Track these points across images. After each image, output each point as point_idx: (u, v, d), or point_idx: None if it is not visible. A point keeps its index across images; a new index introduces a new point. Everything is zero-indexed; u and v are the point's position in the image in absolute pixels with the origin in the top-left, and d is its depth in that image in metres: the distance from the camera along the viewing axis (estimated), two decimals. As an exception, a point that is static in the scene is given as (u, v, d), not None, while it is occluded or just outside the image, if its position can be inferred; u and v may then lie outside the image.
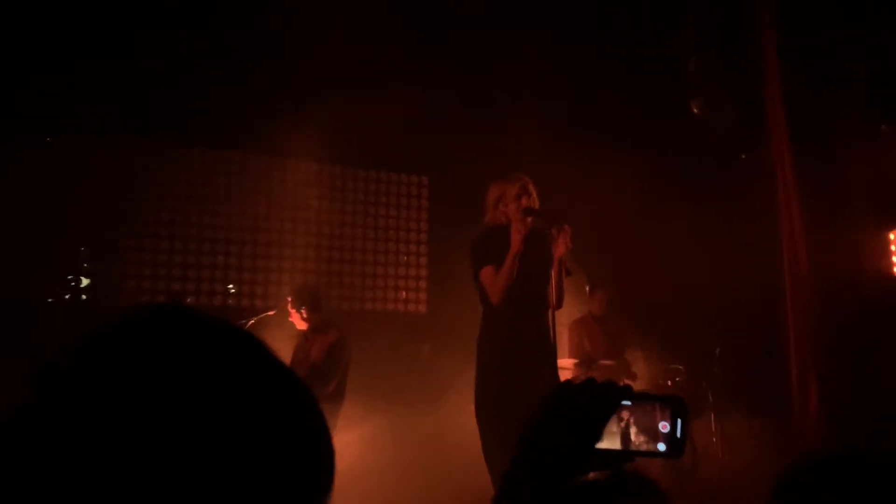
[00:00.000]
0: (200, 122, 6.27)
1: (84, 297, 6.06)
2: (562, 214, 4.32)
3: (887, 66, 6.26)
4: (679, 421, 1.00)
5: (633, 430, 1.00)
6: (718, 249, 6.64)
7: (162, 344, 0.60)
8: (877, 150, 6.63)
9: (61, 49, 5.53)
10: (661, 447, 0.99)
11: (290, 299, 5.39)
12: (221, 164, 6.67)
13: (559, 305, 4.21)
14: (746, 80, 6.65)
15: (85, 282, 6.12)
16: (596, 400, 1.00)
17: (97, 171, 6.11)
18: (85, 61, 5.57)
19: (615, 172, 6.94)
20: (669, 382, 5.99)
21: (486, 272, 4.18)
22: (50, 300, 5.95)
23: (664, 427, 1.00)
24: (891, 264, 6.88)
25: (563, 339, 6.20)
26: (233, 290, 6.63)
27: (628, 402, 1.00)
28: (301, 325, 5.36)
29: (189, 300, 6.29)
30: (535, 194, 4.29)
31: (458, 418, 5.40)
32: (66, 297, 5.97)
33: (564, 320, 6.33)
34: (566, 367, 5.63)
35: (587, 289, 6.44)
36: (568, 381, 1.05)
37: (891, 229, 6.89)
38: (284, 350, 5.65)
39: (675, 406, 1.01)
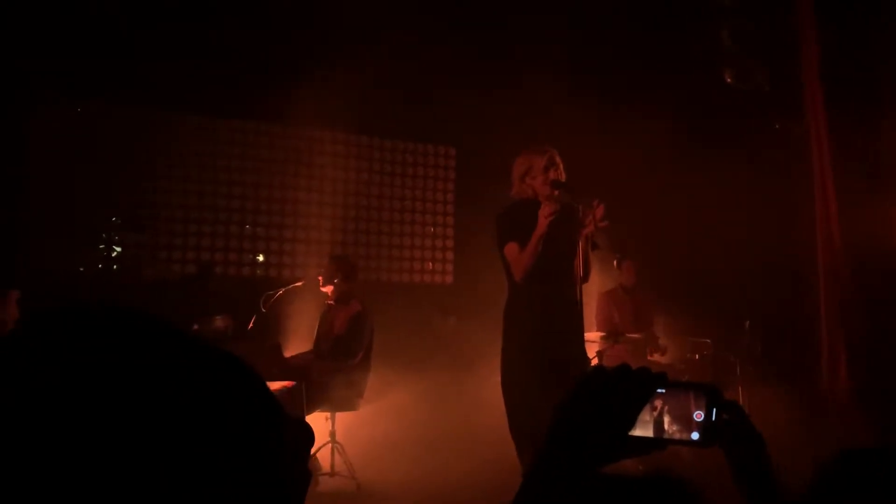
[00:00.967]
0: (228, 92, 6.28)
1: (115, 266, 6.15)
2: (590, 187, 4.27)
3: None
4: (714, 410, 0.98)
5: (666, 419, 0.99)
6: (749, 221, 6.55)
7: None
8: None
9: (94, 22, 5.56)
10: (695, 436, 0.98)
11: (323, 269, 5.40)
12: (250, 135, 6.69)
13: (586, 279, 4.16)
14: (781, 49, 6.50)
15: (116, 251, 6.20)
16: (630, 387, 0.98)
17: (127, 142, 6.17)
18: (117, 34, 5.60)
19: (645, 141, 6.86)
20: (697, 356, 5.95)
21: (511, 248, 4.14)
22: (81, 269, 6.04)
23: (698, 416, 0.98)
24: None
25: (592, 312, 6.18)
26: (261, 260, 6.68)
27: (662, 390, 0.99)
28: (327, 291, 5.40)
29: (218, 270, 6.35)
30: (562, 166, 4.23)
31: (486, 389, 5.43)
32: (99, 266, 6.06)
33: (593, 292, 6.30)
34: (593, 340, 5.61)
35: (615, 261, 6.38)
36: (601, 367, 1.04)
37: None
38: (313, 320, 5.70)
39: (709, 395, 0.99)
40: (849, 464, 1.15)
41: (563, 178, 4.22)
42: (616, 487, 1.19)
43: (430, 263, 7.45)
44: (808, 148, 6.40)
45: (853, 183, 6.15)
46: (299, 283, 5.51)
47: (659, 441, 0.98)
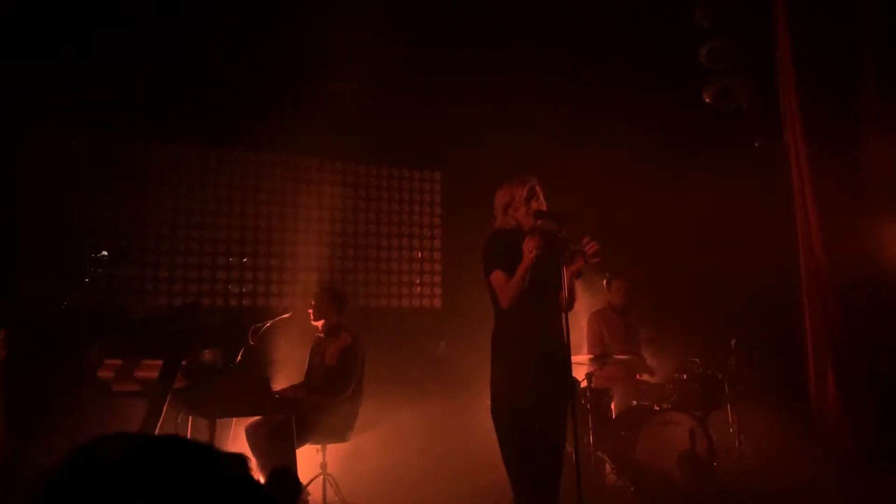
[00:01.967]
0: (212, 122, 6.31)
1: (101, 301, 6.12)
2: (575, 208, 4.31)
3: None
4: None
5: None
6: (732, 239, 6.61)
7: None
8: (894, 136, 6.55)
9: (80, 52, 5.58)
10: None
11: (313, 302, 5.40)
12: (235, 164, 6.71)
13: (570, 308, 4.21)
14: (759, 67, 6.58)
15: (102, 287, 6.18)
16: None
17: (110, 175, 6.17)
18: (101, 64, 5.62)
19: (628, 162, 6.93)
20: (685, 376, 5.98)
21: (497, 276, 4.19)
22: (65, 304, 6.02)
23: None
24: (909, 251, 6.81)
25: (580, 335, 6.20)
26: (248, 291, 6.68)
27: None
28: (316, 324, 5.39)
29: (205, 302, 6.34)
30: (542, 196, 4.28)
31: (477, 413, 5.43)
32: (86, 302, 6.04)
33: (582, 313, 6.33)
34: (581, 362, 5.64)
35: (605, 281, 6.42)
36: None
37: (908, 215, 6.81)
38: (302, 352, 5.70)
39: None
40: None
41: (544, 206, 4.27)
42: None
43: (419, 287, 7.47)
44: (787, 164, 6.47)
45: (834, 198, 6.21)
46: (287, 315, 5.51)
47: None
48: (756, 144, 6.60)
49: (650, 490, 5.24)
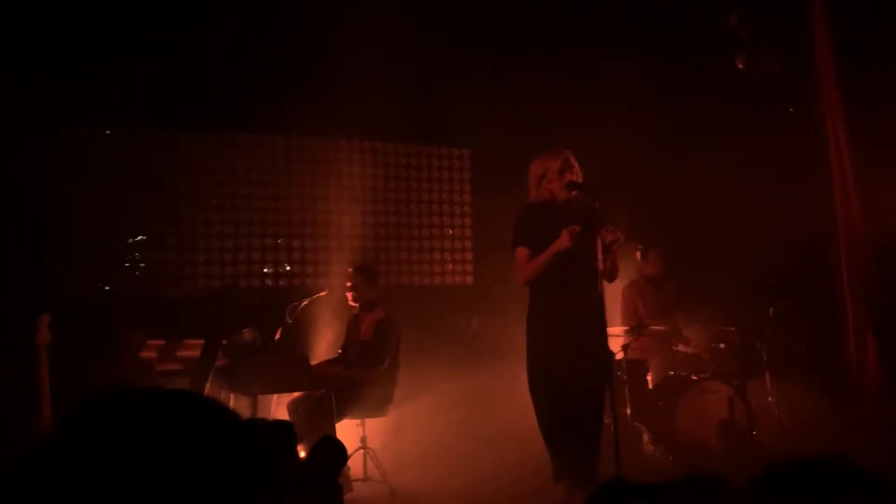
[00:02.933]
0: (243, 108, 6.36)
1: (141, 285, 6.24)
2: (608, 181, 4.30)
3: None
4: None
5: None
6: (769, 207, 6.53)
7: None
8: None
9: (108, 47, 5.65)
10: None
11: (349, 284, 5.45)
12: (266, 148, 6.76)
13: (612, 278, 4.22)
14: (792, 31, 6.46)
15: (141, 270, 6.30)
16: None
17: (146, 162, 6.27)
18: (131, 54, 5.70)
19: (662, 132, 6.86)
20: (722, 345, 5.94)
21: (521, 253, 4.22)
22: (107, 289, 6.14)
23: None
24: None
25: (615, 306, 6.18)
26: (284, 272, 6.75)
27: None
28: (351, 300, 5.45)
29: (242, 283, 6.43)
30: (577, 167, 4.26)
31: (513, 387, 5.46)
32: (126, 285, 6.16)
33: (615, 285, 6.30)
34: (617, 334, 5.62)
35: (638, 252, 6.38)
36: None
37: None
38: (338, 329, 5.77)
39: None
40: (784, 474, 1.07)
41: (580, 178, 4.25)
42: (652, 491, 1.17)
43: (450, 265, 7.49)
44: (823, 130, 6.36)
45: (871, 163, 6.11)
46: (323, 293, 5.57)
47: None
48: (791, 110, 6.49)
49: (689, 459, 5.23)
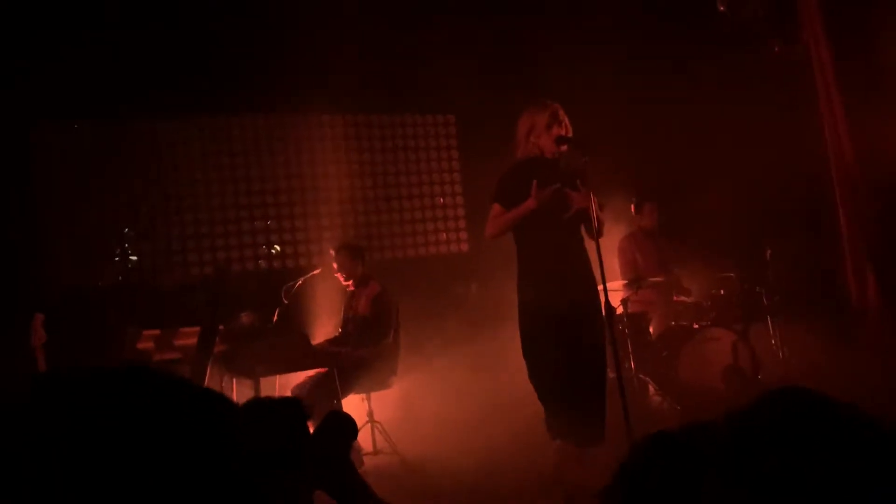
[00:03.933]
0: (223, 89, 6.25)
1: (133, 277, 6.18)
2: (597, 135, 4.23)
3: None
4: None
5: None
6: (761, 149, 6.46)
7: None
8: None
9: (87, 37, 5.54)
10: None
11: (336, 266, 5.39)
12: (248, 129, 6.66)
13: (599, 236, 4.18)
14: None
15: (132, 262, 6.23)
16: None
17: (130, 152, 6.17)
18: (107, 36, 5.58)
19: (647, 82, 6.76)
20: (722, 291, 5.91)
21: (494, 208, 4.18)
22: (100, 283, 6.08)
23: None
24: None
25: (613, 261, 6.14)
26: (276, 252, 6.69)
27: None
28: (343, 281, 5.40)
29: (235, 267, 6.37)
30: (566, 121, 4.18)
31: (512, 352, 5.43)
32: (118, 278, 6.10)
33: (611, 240, 6.25)
34: (616, 289, 5.58)
35: (632, 205, 6.32)
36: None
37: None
38: (335, 306, 5.72)
39: None
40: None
41: (569, 132, 4.17)
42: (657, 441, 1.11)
43: (444, 234, 7.43)
44: (810, 67, 6.28)
45: (859, 95, 6.03)
46: (317, 272, 5.53)
47: None
48: (776, 50, 6.40)
49: (696, 407, 5.23)
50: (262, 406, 2.18)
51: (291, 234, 6.73)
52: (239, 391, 4.80)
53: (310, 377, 5.06)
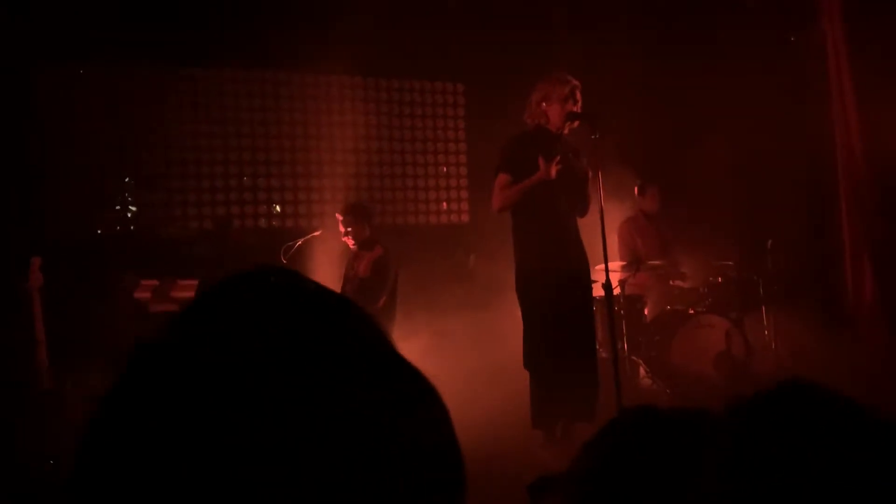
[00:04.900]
0: (233, 42, 6.17)
1: (132, 227, 6.16)
2: (603, 115, 4.22)
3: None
4: None
5: None
6: (767, 137, 6.43)
7: (255, 319, 0.54)
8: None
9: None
10: None
11: (341, 218, 5.37)
12: (255, 85, 6.59)
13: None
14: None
15: (132, 212, 6.21)
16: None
17: (133, 101, 6.11)
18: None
19: (657, 64, 6.70)
20: (720, 279, 5.92)
21: (501, 178, 4.17)
22: (99, 231, 6.06)
23: None
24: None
25: (613, 242, 6.13)
26: (277, 211, 6.66)
27: None
28: (350, 243, 5.38)
29: (235, 224, 6.35)
30: (580, 101, 4.18)
31: (512, 324, 5.45)
32: (117, 227, 6.08)
33: (611, 222, 6.24)
34: (614, 270, 5.58)
35: (636, 188, 6.30)
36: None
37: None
38: (335, 268, 5.72)
39: None
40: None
41: (580, 111, 4.18)
42: (647, 418, 1.09)
43: (445, 203, 7.41)
44: (824, 58, 6.23)
45: (872, 89, 6.00)
46: (317, 233, 5.51)
47: None
48: (791, 39, 6.34)
49: (686, 392, 5.26)
50: None
51: (293, 194, 6.70)
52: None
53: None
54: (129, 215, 6.19)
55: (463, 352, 6.07)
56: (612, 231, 6.13)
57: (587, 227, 4.43)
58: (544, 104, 4.16)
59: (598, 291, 4.47)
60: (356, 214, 5.37)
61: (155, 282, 4.55)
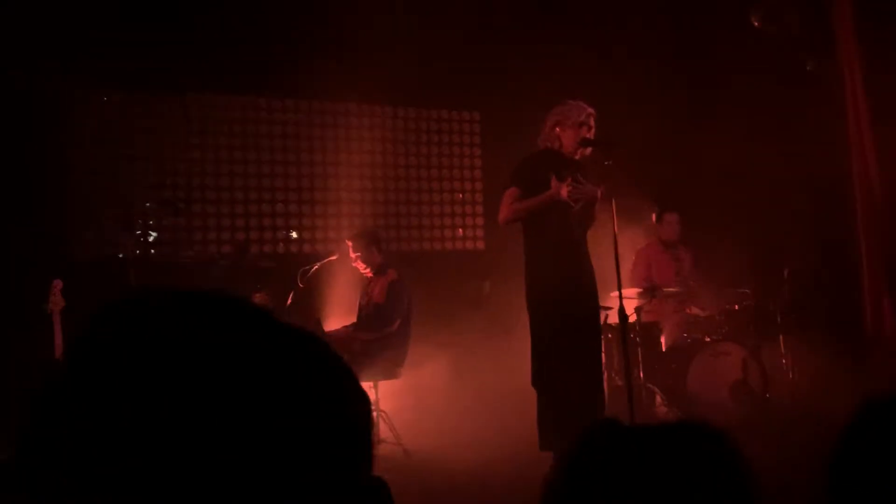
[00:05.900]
0: (254, 71, 6.29)
1: (153, 251, 6.24)
2: (620, 146, 4.25)
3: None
4: None
5: None
6: (784, 166, 6.42)
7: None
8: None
9: (117, 11, 5.59)
10: None
11: (350, 244, 5.43)
12: (276, 113, 6.70)
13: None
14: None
15: (152, 236, 6.29)
16: None
17: (155, 127, 6.22)
18: (141, 21, 5.63)
19: (674, 91, 6.75)
20: (736, 307, 5.89)
21: (510, 192, 4.19)
22: (120, 255, 6.14)
23: None
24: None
25: (629, 269, 6.13)
26: (295, 237, 6.73)
27: None
28: (362, 269, 5.42)
29: (253, 248, 6.41)
30: (594, 129, 4.22)
31: (526, 351, 5.44)
32: (136, 251, 6.15)
33: (628, 248, 6.24)
34: (631, 297, 5.58)
35: (654, 215, 6.29)
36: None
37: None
38: (350, 293, 5.75)
39: None
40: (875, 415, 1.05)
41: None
42: (648, 435, 1.11)
43: (461, 230, 7.45)
44: (840, 86, 6.24)
45: (889, 119, 5.99)
46: (333, 258, 5.56)
47: None
48: (808, 68, 6.36)
49: (694, 415, 5.22)
50: None
51: (311, 220, 6.77)
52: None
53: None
54: (149, 239, 6.27)
55: (477, 375, 6.08)
56: (629, 259, 6.13)
57: (602, 254, 4.45)
58: (558, 129, 4.20)
59: (613, 318, 4.46)
60: (364, 241, 5.42)
61: (173, 305, 4.60)
